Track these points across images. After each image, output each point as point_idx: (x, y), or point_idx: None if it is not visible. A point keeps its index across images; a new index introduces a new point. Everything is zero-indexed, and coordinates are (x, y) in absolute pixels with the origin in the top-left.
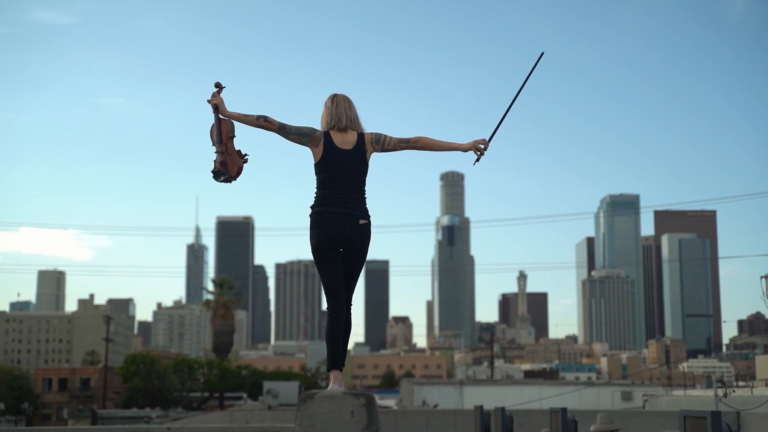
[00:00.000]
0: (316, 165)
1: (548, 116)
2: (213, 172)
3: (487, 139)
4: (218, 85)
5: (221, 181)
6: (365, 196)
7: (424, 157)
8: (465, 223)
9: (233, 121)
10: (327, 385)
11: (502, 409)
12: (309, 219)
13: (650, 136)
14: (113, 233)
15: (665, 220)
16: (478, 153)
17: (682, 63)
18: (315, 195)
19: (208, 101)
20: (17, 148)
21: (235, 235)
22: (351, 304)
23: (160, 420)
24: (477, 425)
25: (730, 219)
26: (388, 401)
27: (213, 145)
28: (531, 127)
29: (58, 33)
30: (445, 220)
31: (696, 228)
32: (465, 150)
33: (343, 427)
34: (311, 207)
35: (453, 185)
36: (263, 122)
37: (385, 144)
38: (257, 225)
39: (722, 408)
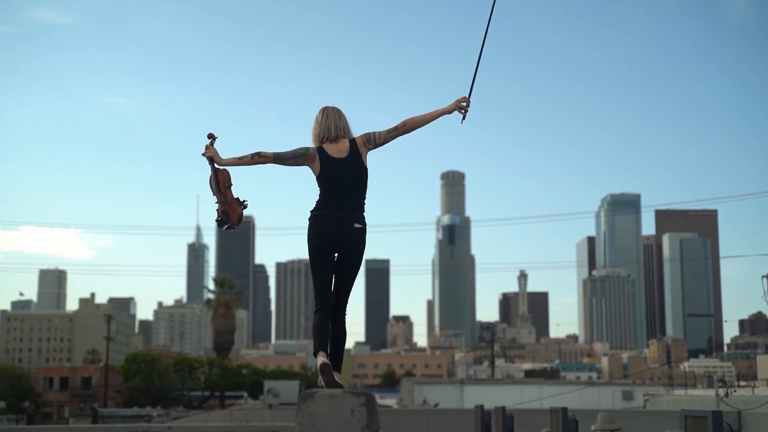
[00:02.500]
0: (317, 179)
1: (549, 116)
2: (216, 221)
3: (467, 95)
4: (211, 136)
5: (225, 230)
6: (365, 201)
7: (425, 157)
8: (465, 223)
9: (228, 170)
10: (318, 376)
11: (503, 408)
12: (307, 222)
13: (651, 135)
14: (114, 232)
15: (666, 219)
16: (463, 111)
17: (682, 63)
18: (316, 201)
19: (203, 155)
20: (19, 147)
21: (236, 234)
22: (346, 313)
23: (161, 419)
24: (477, 425)
25: (731, 218)
26: (389, 401)
27: (213, 195)
28: (532, 127)
29: (60, 32)
30: (446, 220)
31: (697, 227)
32: (450, 112)
33: (343, 426)
34: (311, 211)
35: (453, 184)
36: (258, 159)
37: (376, 140)
38: (258, 224)
39: (723, 408)
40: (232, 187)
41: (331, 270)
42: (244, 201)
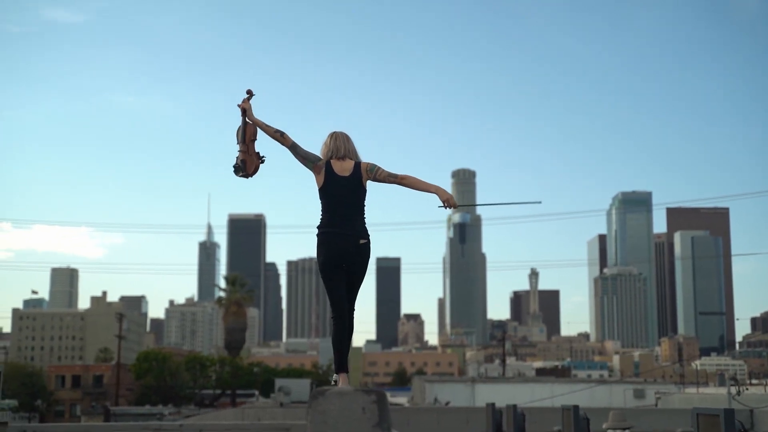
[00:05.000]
0: (319, 190)
1: (560, 114)
2: (234, 166)
3: (458, 204)
4: (249, 92)
5: (239, 176)
6: (365, 216)
7: (436, 154)
8: (476, 221)
9: (257, 127)
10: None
11: (514, 406)
12: (316, 238)
13: (662, 133)
14: (126, 231)
15: (678, 217)
16: (447, 206)
17: (693, 61)
18: (320, 217)
19: (239, 105)
20: (30, 145)
21: (247, 232)
22: (353, 311)
23: (173, 417)
24: (489, 423)
25: (742, 216)
26: (400, 399)
27: (237, 143)
28: (543, 125)
29: (70, 31)
30: (457, 218)
31: (709, 225)
32: (442, 197)
33: (354, 424)
34: (317, 227)
35: (464, 182)
36: (279, 137)
37: (377, 175)
38: (269, 222)
39: (735, 406)
40: (256, 143)
41: (342, 282)
42: (263, 156)
